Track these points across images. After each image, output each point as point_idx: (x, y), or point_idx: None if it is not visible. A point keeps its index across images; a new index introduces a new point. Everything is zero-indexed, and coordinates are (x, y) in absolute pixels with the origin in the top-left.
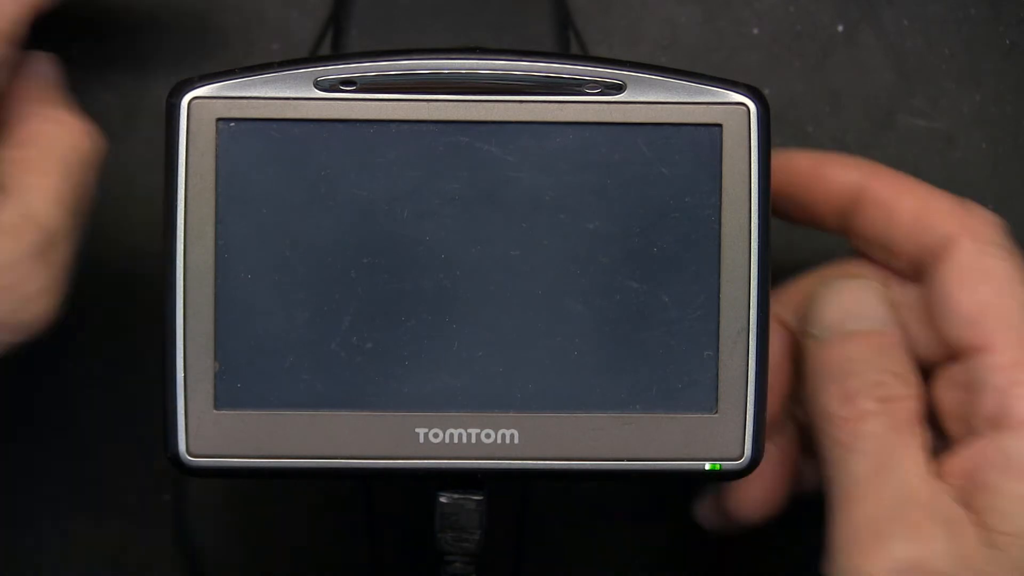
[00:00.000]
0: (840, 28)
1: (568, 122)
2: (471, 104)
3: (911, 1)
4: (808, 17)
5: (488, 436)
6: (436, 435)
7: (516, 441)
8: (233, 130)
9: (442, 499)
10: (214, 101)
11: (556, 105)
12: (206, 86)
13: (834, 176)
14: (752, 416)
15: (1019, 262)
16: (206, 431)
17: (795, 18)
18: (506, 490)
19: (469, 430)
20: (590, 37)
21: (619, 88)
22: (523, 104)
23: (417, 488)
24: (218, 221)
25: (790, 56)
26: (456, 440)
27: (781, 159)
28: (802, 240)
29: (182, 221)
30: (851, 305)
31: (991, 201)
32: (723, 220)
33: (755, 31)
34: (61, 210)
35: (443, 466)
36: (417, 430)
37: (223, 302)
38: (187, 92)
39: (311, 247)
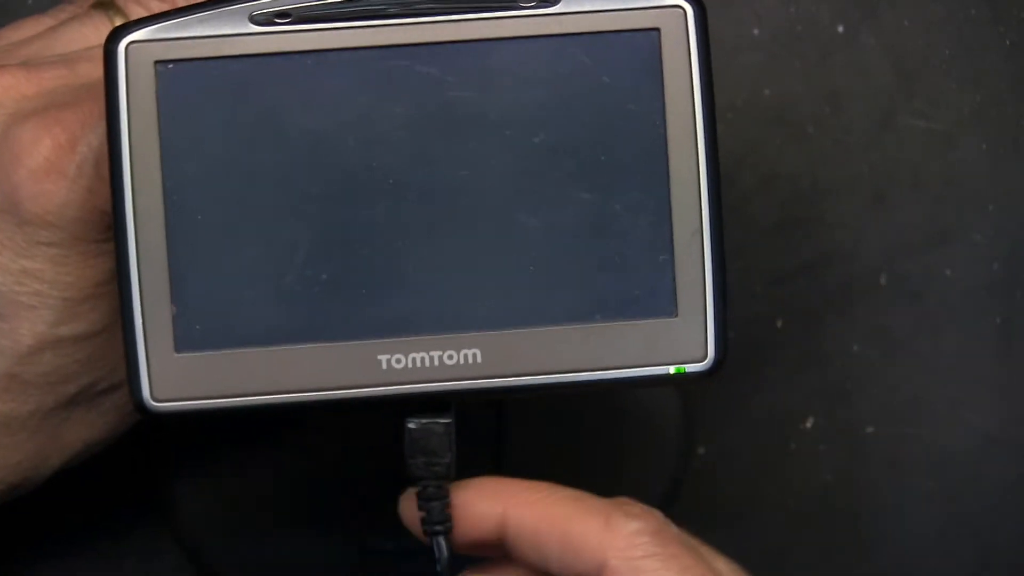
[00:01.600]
0: (840, 29)
1: (505, 37)
2: (407, 27)
3: (911, 2)
4: (808, 18)
5: (451, 357)
6: (398, 360)
7: (479, 360)
8: (172, 71)
9: (410, 425)
10: (151, 44)
11: (492, 21)
12: (142, 29)
13: (472, 510)
14: (713, 317)
15: (679, 551)
16: (169, 375)
17: (795, 19)
18: (480, 414)
19: (431, 353)
20: None
21: (553, 0)
22: (459, 23)
23: (386, 416)
24: (164, 163)
25: (790, 57)
26: (419, 364)
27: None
28: (802, 241)
29: (128, 166)
30: None
31: (990, 201)
32: (668, 124)
33: (755, 32)
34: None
35: (407, 391)
36: (379, 357)
37: (175, 244)
38: (123, 37)
39: (259, 182)
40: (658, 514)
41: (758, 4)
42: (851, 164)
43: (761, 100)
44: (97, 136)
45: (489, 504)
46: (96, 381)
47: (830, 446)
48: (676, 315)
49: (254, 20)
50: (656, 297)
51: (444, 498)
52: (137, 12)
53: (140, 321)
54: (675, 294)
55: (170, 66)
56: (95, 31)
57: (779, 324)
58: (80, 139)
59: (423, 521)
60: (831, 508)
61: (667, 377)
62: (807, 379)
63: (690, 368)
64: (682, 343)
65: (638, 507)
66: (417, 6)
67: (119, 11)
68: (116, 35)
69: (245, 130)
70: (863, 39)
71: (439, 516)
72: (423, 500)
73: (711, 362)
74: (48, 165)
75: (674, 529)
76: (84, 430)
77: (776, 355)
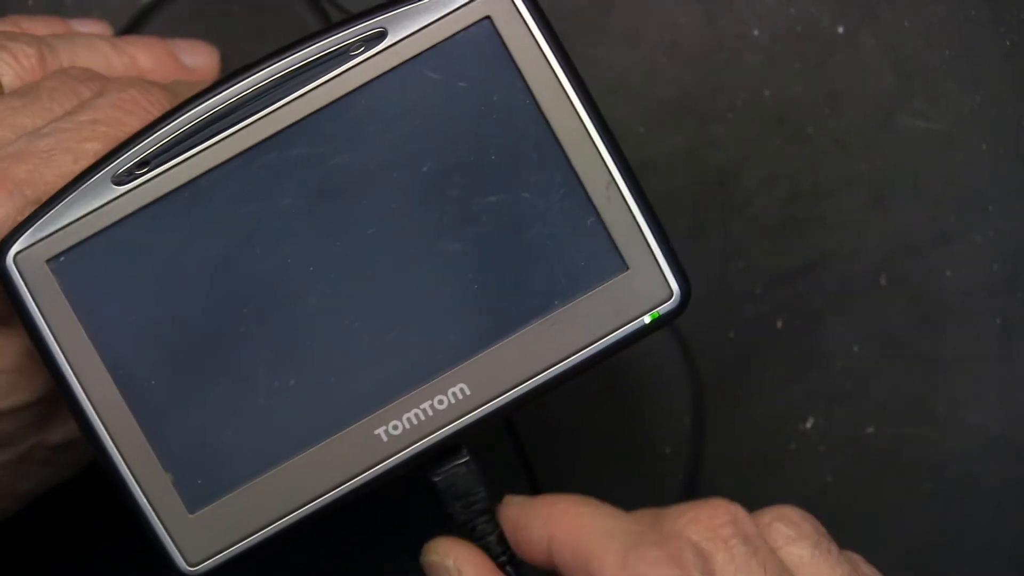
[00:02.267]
0: (840, 30)
1: (353, 90)
2: (259, 123)
3: (911, 2)
4: (808, 18)
5: (441, 402)
6: (395, 427)
7: (468, 392)
8: (65, 263)
9: (436, 479)
10: (34, 248)
11: (334, 81)
12: (20, 238)
13: (529, 534)
14: (662, 254)
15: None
16: (194, 537)
17: (795, 19)
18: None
19: (421, 406)
20: (590, 38)
21: (381, 35)
22: (304, 97)
23: (410, 479)
24: (99, 350)
25: (790, 57)
26: (416, 421)
27: (500, 511)
28: (802, 242)
29: (70, 370)
30: None
31: (990, 202)
32: (537, 97)
33: (755, 32)
34: None
35: (416, 450)
36: (376, 432)
37: (143, 417)
38: (5, 253)
39: (190, 324)
40: (687, 556)
41: (758, 5)
42: (851, 164)
43: (761, 101)
44: (14, 211)
45: (538, 530)
46: (45, 440)
47: (830, 446)
48: (628, 268)
49: (117, 182)
50: (602, 260)
51: (496, 530)
52: (4, 62)
53: (147, 502)
54: (617, 249)
55: (61, 259)
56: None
57: (779, 324)
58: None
59: (491, 556)
60: (831, 508)
61: (647, 328)
62: (807, 379)
63: (663, 309)
64: (645, 290)
65: (664, 548)
66: (259, 99)
67: None
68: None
69: (156, 283)
70: (863, 40)
71: (499, 548)
72: (478, 540)
73: (679, 296)
74: None
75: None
76: (38, 481)
77: (776, 355)
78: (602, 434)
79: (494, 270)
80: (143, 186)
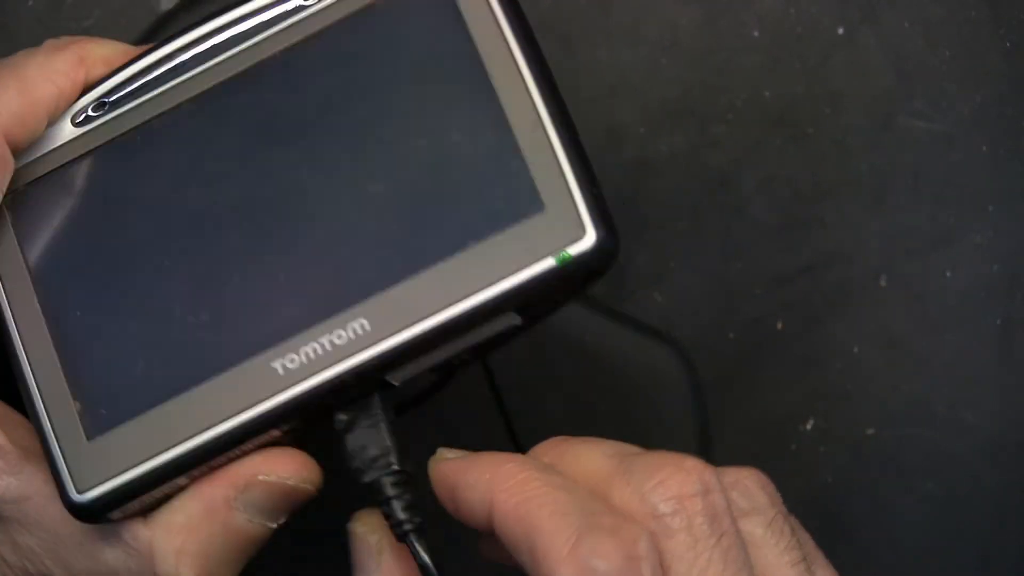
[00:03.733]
0: (840, 30)
1: (303, 40)
2: (211, 70)
3: (911, 3)
4: (808, 19)
5: (340, 336)
6: (292, 360)
7: (368, 328)
8: (18, 198)
9: (339, 416)
10: None
11: (284, 32)
12: None
13: (468, 494)
14: (582, 196)
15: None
16: (88, 464)
17: (796, 20)
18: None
19: (319, 340)
20: (590, 38)
21: None
22: (256, 47)
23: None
24: (34, 281)
25: (791, 58)
26: (312, 355)
27: (432, 466)
28: (802, 243)
29: (2, 291)
30: None
31: (991, 202)
32: (473, 36)
33: (755, 33)
34: None
35: (314, 385)
36: (273, 365)
37: (62, 346)
38: None
39: (123, 262)
40: (641, 547)
41: (758, 5)
42: (851, 165)
43: (761, 101)
44: None
45: (480, 493)
46: None
47: (830, 448)
48: (544, 208)
49: (75, 123)
50: (520, 200)
51: (405, 495)
52: None
53: (50, 426)
54: (536, 189)
55: (15, 194)
56: None
57: (779, 326)
58: None
59: (391, 524)
60: (831, 509)
61: (557, 270)
62: (807, 380)
63: (573, 249)
64: (557, 230)
65: (617, 537)
66: (213, 48)
67: None
68: None
69: (96, 220)
70: (863, 40)
71: (403, 515)
72: (381, 504)
73: (595, 238)
74: None
75: (647, 574)
76: None
77: (776, 357)
78: (601, 434)
79: (411, 210)
80: (99, 128)
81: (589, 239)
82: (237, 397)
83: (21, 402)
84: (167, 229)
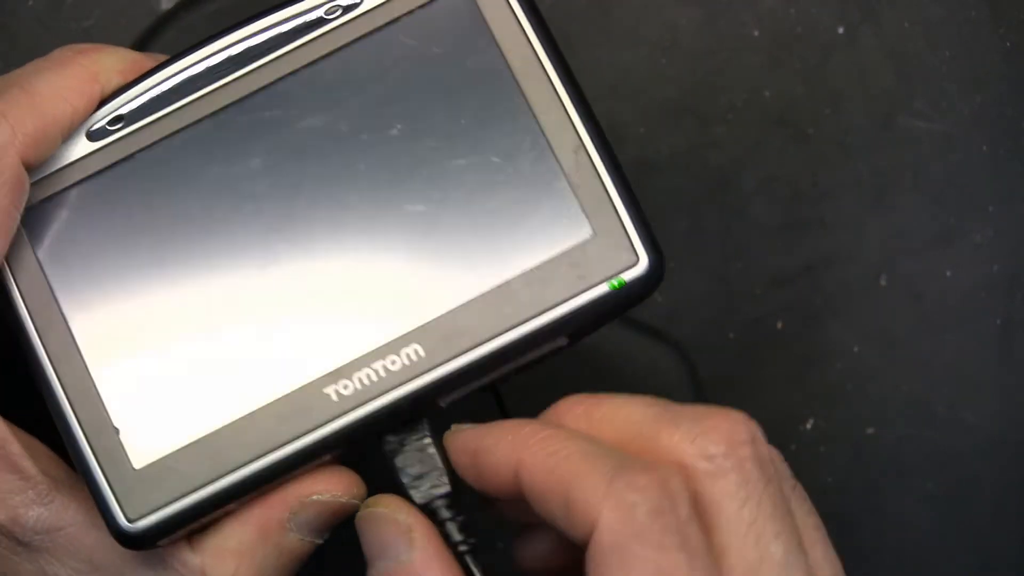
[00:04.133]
0: (840, 30)
1: (327, 54)
2: (233, 84)
3: (911, 3)
4: (809, 19)
5: (394, 362)
6: (345, 386)
7: (422, 354)
8: (35, 215)
9: (386, 447)
10: None
11: (309, 45)
12: None
13: (490, 458)
14: (631, 220)
15: (670, 541)
16: (137, 491)
17: (796, 20)
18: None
19: (373, 366)
20: (590, 39)
21: (355, 3)
22: (279, 60)
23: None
24: (59, 301)
25: (791, 58)
26: (367, 381)
27: (449, 439)
28: (802, 243)
29: (28, 317)
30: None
31: (991, 202)
32: (510, 62)
33: (755, 33)
34: None
35: (368, 412)
36: (326, 391)
37: (97, 369)
38: None
39: (153, 281)
40: (673, 485)
41: (758, 5)
42: (851, 165)
43: (762, 101)
44: None
45: (503, 455)
46: None
47: (830, 447)
48: (593, 233)
49: (92, 137)
50: (567, 224)
51: (459, 518)
52: None
53: (91, 452)
54: (585, 213)
55: (31, 211)
56: None
57: (780, 325)
58: None
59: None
60: (831, 510)
61: (611, 296)
62: (807, 380)
63: (628, 276)
64: (610, 255)
65: (652, 474)
66: (234, 61)
67: None
68: None
69: (121, 237)
70: (863, 40)
71: (460, 536)
72: (438, 525)
73: (647, 263)
74: None
75: (684, 511)
76: None
77: (777, 356)
78: None
79: (456, 233)
80: (116, 143)
81: (642, 264)
82: (291, 424)
83: (42, 430)
84: (197, 248)
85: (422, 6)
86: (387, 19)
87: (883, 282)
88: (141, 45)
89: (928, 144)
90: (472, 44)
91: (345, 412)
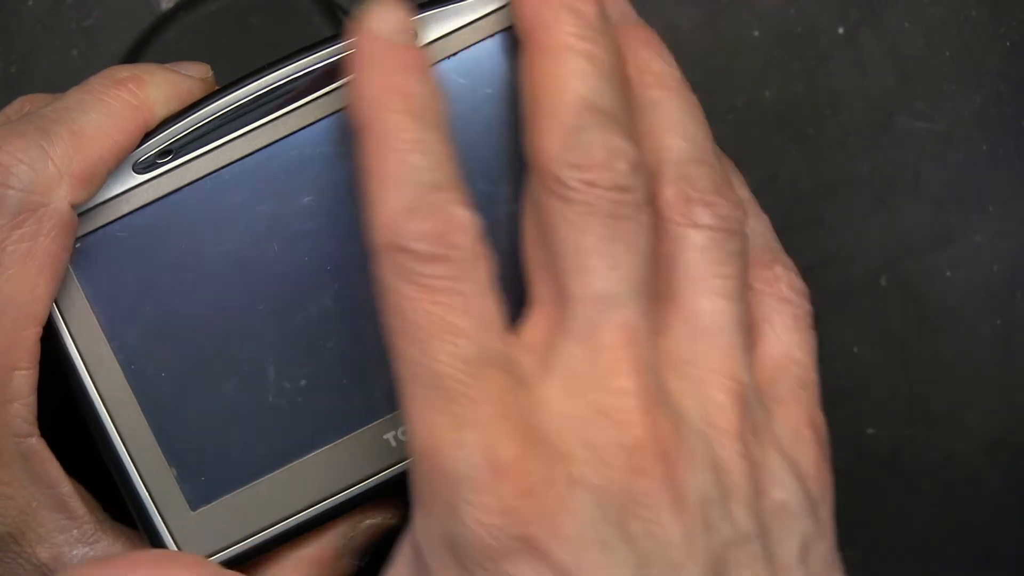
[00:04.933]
0: (841, 30)
1: None
2: (284, 119)
3: (911, 3)
4: (809, 19)
5: None
6: (404, 432)
7: None
8: (81, 250)
9: None
10: None
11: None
12: None
13: None
14: None
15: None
16: (194, 534)
17: (796, 20)
18: None
19: None
20: None
21: None
22: (330, 95)
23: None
24: (109, 339)
25: (791, 58)
26: None
27: None
28: (802, 243)
29: (78, 356)
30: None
31: (991, 202)
32: None
33: (755, 33)
34: None
35: None
36: (385, 436)
37: (151, 410)
38: None
39: (206, 319)
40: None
41: (758, 5)
42: (851, 165)
43: (761, 101)
44: None
45: None
46: None
47: (830, 447)
48: None
49: (138, 169)
50: None
51: None
52: None
53: (148, 495)
54: None
55: (77, 245)
56: None
57: None
58: None
59: None
60: None
61: None
62: None
63: None
64: None
65: None
66: (286, 94)
67: None
68: None
69: (171, 274)
70: (863, 40)
71: None
72: None
73: None
74: None
75: None
76: None
77: None
78: None
79: (515, 274)
80: (164, 175)
81: None
82: (349, 469)
83: (81, 472)
84: (251, 287)
85: (473, 44)
86: (439, 57)
87: (884, 283)
88: (141, 45)
89: (928, 144)
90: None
91: (404, 459)
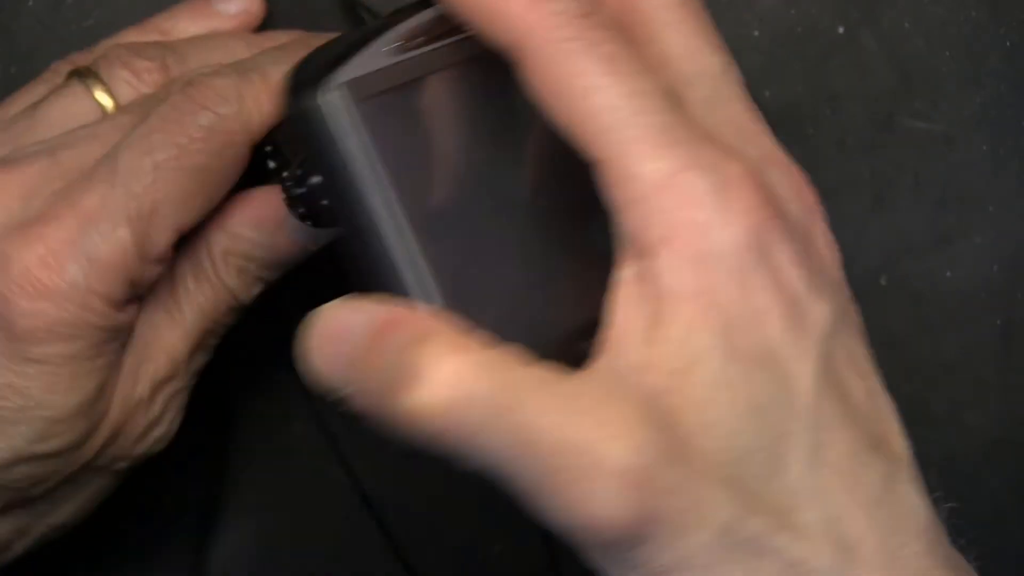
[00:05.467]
0: (841, 30)
1: None
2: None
3: (912, 3)
4: (809, 19)
5: None
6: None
7: None
8: (366, 109)
9: None
10: (343, 88)
11: None
12: (333, 77)
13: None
14: None
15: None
16: None
17: (796, 20)
18: None
19: None
20: None
21: None
22: None
23: None
24: (397, 192)
25: (791, 58)
26: None
27: None
28: None
29: (374, 207)
30: None
31: (991, 203)
32: None
33: (756, 33)
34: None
35: None
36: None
37: (423, 240)
38: (320, 89)
39: (467, 189)
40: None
41: (758, 5)
42: (851, 165)
43: (761, 101)
44: (85, 251)
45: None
46: (66, 477)
47: None
48: None
49: (397, 49)
50: None
51: None
52: (122, 79)
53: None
54: None
55: (364, 105)
56: (75, 104)
57: None
58: (67, 257)
59: None
60: None
61: None
62: None
63: None
64: None
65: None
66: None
67: (97, 79)
68: (310, 89)
69: (430, 147)
70: (863, 40)
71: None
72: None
73: None
74: (37, 284)
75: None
76: (54, 517)
77: None
78: None
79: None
80: (424, 55)
81: None
82: None
83: None
84: (507, 170)
85: None
86: None
87: (884, 283)
88: None
89: (928, 144)
90: None
91: None
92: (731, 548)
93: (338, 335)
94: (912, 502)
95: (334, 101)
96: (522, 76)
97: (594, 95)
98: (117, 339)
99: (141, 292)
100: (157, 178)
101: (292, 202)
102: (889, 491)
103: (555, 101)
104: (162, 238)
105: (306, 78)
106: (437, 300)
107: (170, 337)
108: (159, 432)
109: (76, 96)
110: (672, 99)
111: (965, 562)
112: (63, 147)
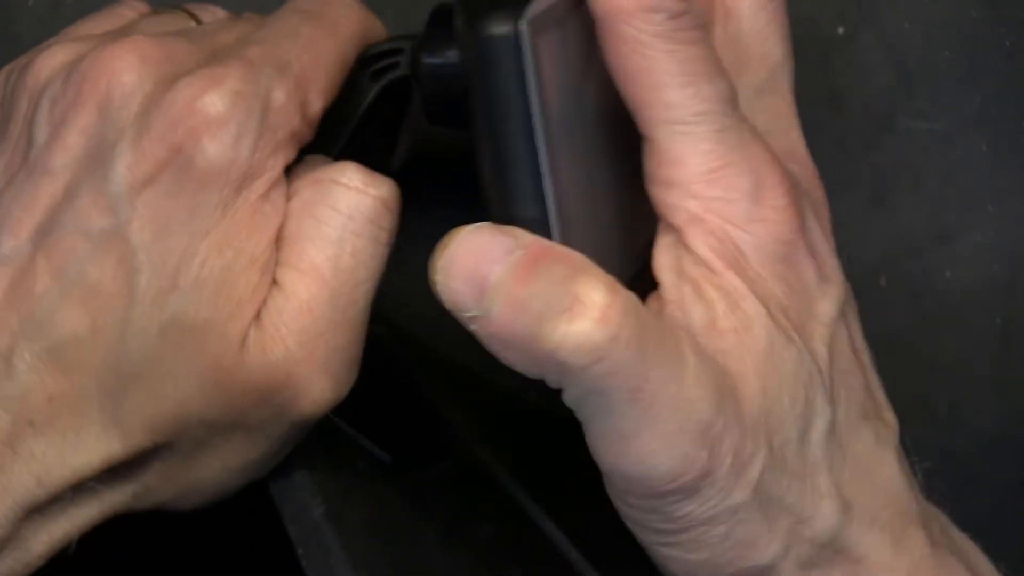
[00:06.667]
0: (840, 30)
1: None
2: None
3: (911, 3)
4: (808, 19)
5: None
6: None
7: None
8: (536, 42)
9: None
10: (532, 21)
11: None
12: (517, 13)
13: None
14: None
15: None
16: None
17: (795, 20)
18: None
19: None
20: None
21: None
22: None
23: None
24: (549, 120)
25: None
26: None
27: None
28: None
29: (542, 136)
30: None
31: (991, 202)
32: None
33: None
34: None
35: None
36: None
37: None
38: (511, 21)
39: (584, 131)
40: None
41: None
42: (851, 165)
43: None
44: (256, 92)
45: None
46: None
47: None
48: None
49: None
50: None
51: None
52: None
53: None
54: None
55: (536, 39)
56: (182, 20)
57: None
58: (245, 94)
59: None
60: None
61: None
62: None
63: None
64: None
65: None
66: None
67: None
68: (498, 21)
69: (574, 86)
70: (863, 40)
71: None
72: None
73: None
74: (219, 119)
75: None
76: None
77: None
78: None
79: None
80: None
81: None
82: None
83: None
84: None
85: None
86: None
87: (883, 282)
88: None
89: (928, 144)
90: None
91: None
92: (757, 505)
93: (480, 258)
94: (893, 465)
95: (525, 31)
96: (602, 43)
97: (662, 90)
98: None
99: (291, 161)
100: (306, 46)
101: (434, 90)
102: (878, 455)
103: (625, 80)
104: (316, 102)
105: (490, 7)
106: (559, 235)
107: None
108: None
109: (178, 16)
110: (731, 101)
111: (939, 512)
112: (198, 31)
